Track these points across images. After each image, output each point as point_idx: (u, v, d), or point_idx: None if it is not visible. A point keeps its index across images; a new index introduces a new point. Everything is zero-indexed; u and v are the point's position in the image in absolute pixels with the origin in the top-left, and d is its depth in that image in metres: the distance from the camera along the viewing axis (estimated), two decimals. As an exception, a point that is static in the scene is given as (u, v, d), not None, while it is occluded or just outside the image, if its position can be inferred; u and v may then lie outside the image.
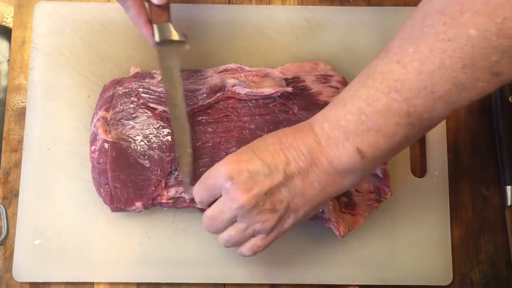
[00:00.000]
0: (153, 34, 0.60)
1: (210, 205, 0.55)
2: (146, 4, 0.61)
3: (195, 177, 0.64)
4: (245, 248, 0.56)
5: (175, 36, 0.61)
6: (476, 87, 0.45)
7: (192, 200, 0.65)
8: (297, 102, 0.67)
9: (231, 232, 0.55)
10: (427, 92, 0.45)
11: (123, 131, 0.65)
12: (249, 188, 0.51)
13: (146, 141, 0.65)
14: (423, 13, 0.47)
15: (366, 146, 0.49)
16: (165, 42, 0.61)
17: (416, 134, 0.49)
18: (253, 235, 0.54)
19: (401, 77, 0.46)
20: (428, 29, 0.45)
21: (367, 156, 0.49)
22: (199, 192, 0.55)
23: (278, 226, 0.53)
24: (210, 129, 0.65)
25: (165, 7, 0.60)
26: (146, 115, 0.66)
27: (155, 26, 0.60)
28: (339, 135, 0.49)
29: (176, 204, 0.65)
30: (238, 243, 0.56)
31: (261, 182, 0.51)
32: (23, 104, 0.72)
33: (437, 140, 0.71)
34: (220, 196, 0.54)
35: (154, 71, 0.69)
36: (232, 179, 0.51)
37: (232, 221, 0.54)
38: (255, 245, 0.55)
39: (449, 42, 0.44)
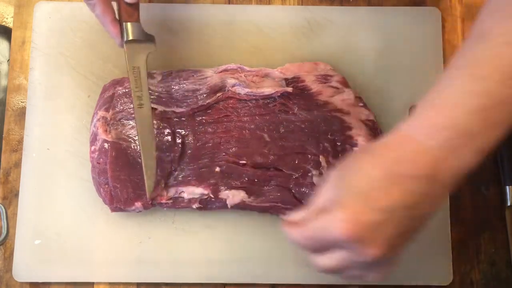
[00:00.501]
0: (120, 33, 0.60)
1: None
2: (113, 4, 0.60)
3: (197, 177, 0.64)
4: (375, 278, 0.50)
5: (145, 36, 0.61)
6: None
7: (191, 201, 0.65)
8: (297, 102, 0.67)
9: (355, 271, 0.50)
10: None
11: (123, 131, 0.65)
12: (377, 242, 0.45)
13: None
14: None
15: (487, 144, 0.44)
16: (134, 41, 0.60)
17: None
18: (382, 265, 0.49)
19: None
20: None
21: (489, 152, 0.45)
22: (305, 240, 0.50)
23: (406, 245, 0.48)
24: (210, 130, 0.65)
25: (136, 7, 0.60)
26: (146, 115, 0.66)
27: (126, 25, 0.60)
28: (461, 141, 0.44)
29: (176, 204, 0.65)
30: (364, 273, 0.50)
31: (387, 229, 0.45)
32: (23, 104, 0.72)
33: (437, 140, 0.71)
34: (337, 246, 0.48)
35: (154, 71, 0.69)
36: (356, 239, 0.45)
37: (364, 268, 0.49)
38: (387, 272, 0.50)
39: None
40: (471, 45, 0.45)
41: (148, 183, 0.62)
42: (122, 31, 0.60)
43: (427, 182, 0.45)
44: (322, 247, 0.49)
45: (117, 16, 0.61)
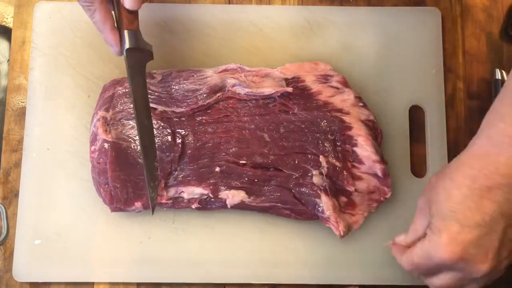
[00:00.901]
0: (119, 41, 0.59)
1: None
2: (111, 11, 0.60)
3: (197, 177, 0.64)
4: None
5: (144, 44, 0.60)
6: None
7: (191, 201, 0.65)
8: (297, 102, 0.67)
9: (473, 285, 0.52)
10: None
11: (123, 131, 0.65)
12: (484, 256, 0.48)
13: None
14: None
15: None
16: (134, 50, 0.59)
17: None
18: (497, 274, 0.52)
19: None
20: None
21: None
22: (414, 271, 0.53)
23: None
24: (210, 130, 0.65)
25: (136, 15, 0.59)
26: (146, 115, 0.66)
27: (126, 33, 0.59)
28: None
29: (176, 204, 0.65)
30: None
31: (490, 242, 0.48)
32: (23, 104, 0.72)
33: (437, 140, 0.71)
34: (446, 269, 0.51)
35: (154, 71, 0.69)
36: (462, 259, 0.48)
37: (478, 282, 0.51)
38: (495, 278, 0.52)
39: None
40: None
41: (152, 195, 0.62)
42: (121, 38, 0.59)
43: None
44: (431, 271, 0.51)
45: (115, 24, 0.60)
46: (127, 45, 0.59)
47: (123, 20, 0.59)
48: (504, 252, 0.49)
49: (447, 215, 0.49)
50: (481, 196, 0.47)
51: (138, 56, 0.60)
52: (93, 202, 0.68)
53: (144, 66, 0.61)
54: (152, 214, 0.64)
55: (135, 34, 0.59)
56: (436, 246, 0.49)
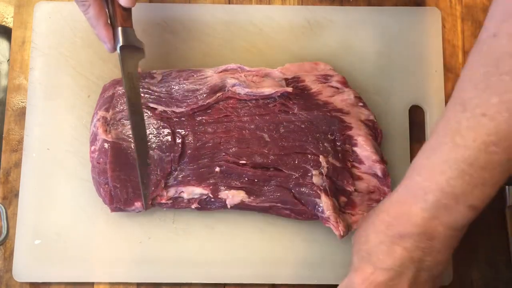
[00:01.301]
0: (113, 38, 0.59)
1: None
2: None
3: (197, 177, 0.64)
4: None
5: (137, 42, 0.60)
6: None
7: (191, 201, 0.65)
8: (297, 102, 0.67)
9: None
10: None
11: (123, 131, 0.65)
12: None
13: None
14: (492, 58, 0.46)
15: (477, 201, 0.48)
16: (127, 47, 0.59)
17: None
18: None
19: (493, 130, 0.45)
20: (509, 76, 0.44)
21: (479, 207, 0.49)
22: None
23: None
24: (210, 130, 0.65)
25: (130, 13, 0.59)
26: (146, 115, 0.66)
27: (120, 30, 0.59)
28: (448, 202, 0.48)
29: (175, 204, 0.65)
30: None
31: (399, 285, 0.51)
32: (23, 104, 0.72)
33: (437, 140, 0.71)
34: None
35: (154, 71, 0.69)
36: None
37: None
38: None
39: None
40: (453, 113, 0.49)
41: (145, 193, 0.62)
42: (115, 36, 0.59)
43: (425, 238, 0.50)
44: None
45: (108, 21, 0.60)
46: (121, 42, 0.59)
47: (117, 17, 0.59)
48: None
49: (364, 257, 0.53)
50: (393, 242, 0.51)
51: (132, 54, 0.60)
52: (93, 202, 0.68)
53: (137, 63, 0.61)
54: (145, 209, 0.64)
55: (130, 32, 0.60)
56: (351, 285, 0.53)
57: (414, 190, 0.50)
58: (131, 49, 0.60)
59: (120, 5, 0.58)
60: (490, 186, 0.48)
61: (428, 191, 0.49)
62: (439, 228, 0.50)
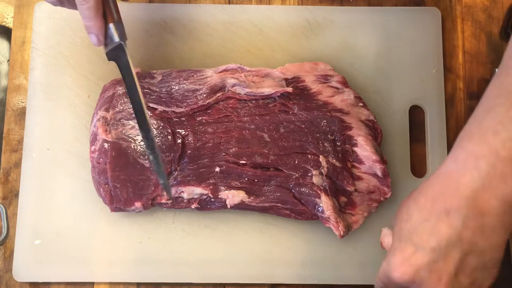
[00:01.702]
0: (104, 31, 0.58)
1: None
2: None
3: (197, 177, 0.64)
4: None
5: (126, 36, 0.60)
6: None
7: (191, 201, 0.65)
8: (297, 102, 0.67)
9: None
10: None
11: (123, 131, 0.65)
12: (437, 281, 0.45)
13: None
14: None
15: None
16: (124, 40, 0.59)
17: None
18: None
19: None
20: None
21: None
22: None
23: (486, 285, 0.48)
24: (210, 130, 0.65)
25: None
26: (146, 115, 0.65)
27: (114, 25, 0.58)
28: (503, 168, 0.43)
29: (175, 204, 0.65)
30: None
31: (444, 268, 0.45)
32: (23, 104, 0.72)
33: (437, 140, 0.71)
34: None
35: (154, 71, 0.69)
36: (413, 281, 0.46)
37: None
38: None
39: None
40: (504, 76, 0.45)
41: (164, 183, 0.61)
42: (112, 29, 0.58)
43: (476, 214, 0.44)
44: None
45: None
46: (123, 36, 0.58)
47: (116, 13, 0.58)
48: (464, 279, 0.46)
49: (405, 236, 0.48)
50: (439, 219, 0.45)
51: (123, 46, 0.59)
52: (93, 202, 0.68)
53: (127, 52, 0.60)
54: (170, 199, 0.64)
55: (122, 26, 0.59)
56: (390, 266, 0.48)
57: (464, 158, 0.45)
58: (123, 44, 0.59)
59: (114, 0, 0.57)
60: None
61: (480, 157, 0.44)
62: (492, 202, 0.44)
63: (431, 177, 0.48)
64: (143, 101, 0.60)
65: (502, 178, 0.43)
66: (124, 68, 0.60)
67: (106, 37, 0.59)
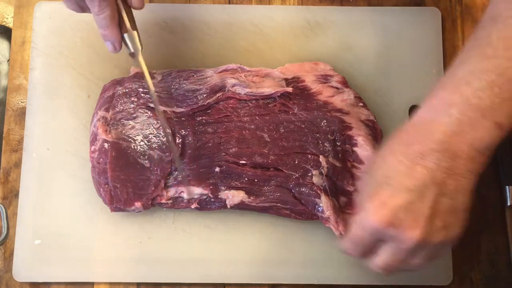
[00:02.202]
0: (121, 39, 0.59)
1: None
2: None
3: (197, 177, 0.64)
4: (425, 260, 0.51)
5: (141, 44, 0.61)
6: None
7: (190, 201, 0.65)
8: (297, 102, 0.67)
9: (417, 262, 0.50)
10: None
11: (123, 131, 0.65)
12: (414, 222, 0.46)
13: (146, 141, 0.65)
14: None
15: (504, 118, 0.45)
16: (141, 49, 0.60)
17: None
18: (439, 250, 0.50)
19: None
20: None
21: (505, 127, 0.46)
22: (353, 249, 0.51)
23: (457, 230, 0.49)
24: (210, 130, 0.65)
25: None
26: (146, 115, 0.66)
27: (136, 33, 0.59)
28: (474, 116, 0.45)
29: (175, 204, 0.65)
30: (427, 263, 0.51)
31: (420, 208, 0.46)
32: (23, 104, 0.72)
33: (437, 140, 0.71)
34: (381, 241, 0.49)
35: (154, 71, 0.69)
36: (391, 224, 0.46)
37: (412, 254, 0.49)
38: (438, 256, 0.51)
39: None
40: (483, 27, 0.46)
41: (179, 167, 0.62)
42: (127, 39, 0.59)
43: (448, 157, 0.46)
44: (367, 247, 0.50)
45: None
46: (140, 46, 0.59)
47: (129, 21, 0.59)
48: (438, 222, 0.47)
49: (381, 181, 0.48)
50: (414, 161, 0.47)
51: (140, 53, 0.60)
52: (93, 202, 0.68)
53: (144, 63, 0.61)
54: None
55: (136, 36, 0.60)
56: (367, 213, 0.48)
57: (437, 105, 0.47)
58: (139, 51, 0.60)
59: (130, 8, 0.58)
60: None
61: (452, 104, 0.46)
62: (462, 146, 0.46)
63: (405, 125, 0.49)
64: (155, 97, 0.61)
65: (472, 125, 0.45)
66: (146, 73, 0.61)
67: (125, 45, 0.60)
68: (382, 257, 0.50)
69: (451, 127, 0.46)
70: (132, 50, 0.59)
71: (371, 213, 0.47)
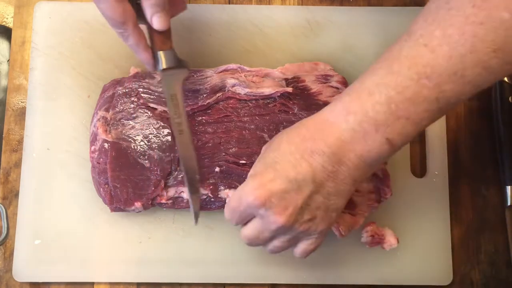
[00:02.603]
0: (153, 60, 0.59)
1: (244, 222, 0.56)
2: (144, 30, 0.59)
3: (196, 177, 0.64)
4: (298, 253, 0.56)
5: (179, 63, 0.59)
6: (504, 70, 0.44)
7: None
8: (297, 102, 0.67)
9: (276, 244, 0.55)
10: (457, 77, 0.44)
11: (123, 131, 0.65)
12: (283, 209, 0.50)
13: (146, 141, 0.65)
14: None
15: (396, 136, 0.47)
16: (169, 69, 0.59)
17: (440, 116, 0.48)
18: (300, 240, 0.55)
19: (431, 62, 0.45)
20: (456, 11, 0.44)
21: (396, 144, 0.48)
22: (230, 216, 0.55)
23: (322, 227, 0.53)
24: (210, 130, 0.65)
25: (168, 35, 0.58)
26: (146, 115, 0.66)
27: (160, 54, 0.58)
28: (368, 128, 0.47)
29: (175, 204, 0.65)
30: (285, 249, 0.56)
31: (294, 199, 0.50)
32: (23, 104, 0.72)
33: (437, 140, 0.71)
34: (254, 216, 0.53)
35: (154, 71, 0.69)
36: (264, 205, 0.50)
37: (274, 236, 0.54)
38: (306, 249, 0.55)
39: (481, 25, 0.42)
40: (399, 40, 0.48)
41: (195, 208, 0.62)
42: (155, 59, 0.59)
43: (334, 162, 0.49)
44: (243, 219, 0.54)
45: (148, 43, 0.59)
46: (162, 66, 0.58)
47: (155, 41, 0.58)
48: (306, 215, 0.51)
49: (269, 163, 0.52)
50: (303, 156, 0.50)
51: (173, 75, 0.60)
52: (93, 202, 0.68)
53: (181, 82, 0.60)
54: (196, 224, 0.63)
55: (168, 54, 0.59)
56: (247, 188, 0.51)
57: (339, 109, 0.49)
58: (171, 70, 0.59)
59: (156, 30, 0.57)
60: (412, 123, 0.47)
61: (351, 112, 0.48)
62: (350, 155, 0.49)
63: (309, 118, 0.52)
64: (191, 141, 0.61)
65: (364, 136, 0.48)
66: (167, 96, 0.60)
67: (156, 64, 0.59)
68: (248, 229, 0.54)
69: (345, 134, 0.48)
70: (160, 67, 0.59)
71: (249, 189, 0.51)
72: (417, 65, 0.45)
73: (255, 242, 0.55)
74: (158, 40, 0.58)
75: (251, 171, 0.54)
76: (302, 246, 0.55)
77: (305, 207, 0.51)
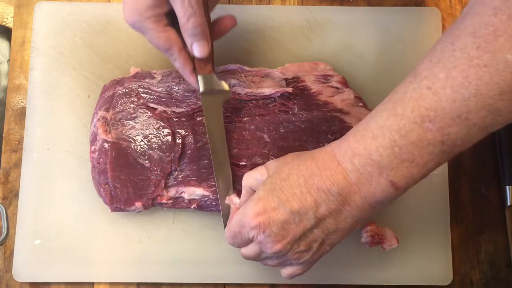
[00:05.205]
0: (197, 83, 0.61)
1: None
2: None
3: (197, 177, 0.64)
4: (285, 275, 0.57)
5: (218, 86, 0.61)
6: None
7: (191, 201, 0.65)
8: (297, 102, 0.67)
9: (269, 262, 0.56)
10: (462, 120, 0.44)
11: (123, 131, 0.65)
12: (282, 238, 0.51)
13: (146, 141, 0.65)
14: (452, 35, 0.45)
15: (400, 179, 0.47)
16: (207, 92, 0.61)
17: (447, 159, 0.47)
18: (290, 264, 0.56)
19: (434, 105, 0.44)
20: (460, 52, 0.43)
21: (400, 187, 0.48)
22: (232, 241, 0.57)
23: (314, 257, 0.55)
24: (210, 129, 0.65)
25: (209, 59, 0.60)
26: (146, 115, 0.66)
27: (199, 77, 0.60)
28: (372, 171, 0.48)
29: (176, 204, 0.65)
30: (276, 267, 0.58)
31: (293, 230, 0.51)
32: (23, 104, 0.72)
33: (437, 140, 0.71)
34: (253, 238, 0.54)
35: (154, 71, 0.69)
36: (264, 232, 0.52)
37: (268, 257, 0.55)
38: (293, 273, 0.57)
39: (485, 68, 0.42)
40: (403, 83, 0.47)
41: (225, 220, 0.63)
42: (198, 81, 0.61)
43: (339, 201, 0.50)
44: (243, 242, 0.55)
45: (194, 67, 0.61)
46: (200, 89, 0.61)
47: (196, 65, 0.60)
48: (301, 246, 0.52)
49: (274, 190, 0.52)
50: (309, 191, 0.50)
51: (213, 98, 0.61)
52: (93, 202, 0.68)
53: (219, 106, 0.62)
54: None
55: (207, 78, 0.60)
56: (249, 213, 0.52)
57: (344, 149, 0.49)
58: (212, 93, 0.61)
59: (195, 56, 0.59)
60: (417, 166, 0.46)
61: (356, 154, 0.48)
62: (355, 196, 0.49)
63: (321, 149, 0.53)
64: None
65: (368, 179, 0.48)
66: (205, 116, 0.62)
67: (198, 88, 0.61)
68: (248, 251, 0.56)
69: (351, 176, 0.49)
70: (200, 91, 0.61)
71: (252, 214, 0.52)
72: (420, 108, 0.45)
73: (253, 259, 0.57)
74: (198, 64, 0.60)
75: (255, 195, 0.54)
76: (290, 269, 0.56)
77: (302, 238, 0.52)
